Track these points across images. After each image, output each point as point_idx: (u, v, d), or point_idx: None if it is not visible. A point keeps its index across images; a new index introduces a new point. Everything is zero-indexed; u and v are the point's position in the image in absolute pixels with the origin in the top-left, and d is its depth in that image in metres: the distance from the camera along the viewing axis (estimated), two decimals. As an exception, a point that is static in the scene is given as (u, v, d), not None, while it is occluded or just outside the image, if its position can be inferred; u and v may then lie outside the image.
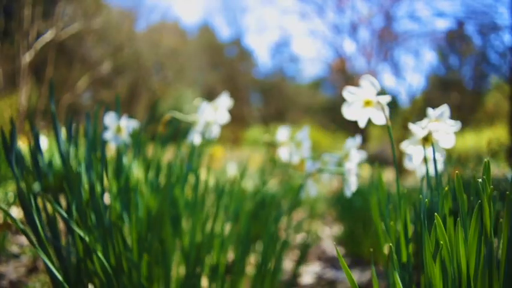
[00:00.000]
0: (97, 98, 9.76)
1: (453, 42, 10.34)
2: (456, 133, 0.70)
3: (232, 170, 2.68)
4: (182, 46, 12.27)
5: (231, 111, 1.05)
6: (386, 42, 10.79)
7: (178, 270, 0.76)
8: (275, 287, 0.85)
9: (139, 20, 11.35)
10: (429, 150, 0.70)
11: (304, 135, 0.98)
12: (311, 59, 13.98)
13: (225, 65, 14.90)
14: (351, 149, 0.81)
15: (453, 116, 0.70)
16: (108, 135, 0.98)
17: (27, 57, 6.43)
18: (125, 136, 0.93)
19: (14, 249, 1.60)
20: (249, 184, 1.97)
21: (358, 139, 0.83)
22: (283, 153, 1.07)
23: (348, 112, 0.65)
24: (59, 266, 0.82)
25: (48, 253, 0.70)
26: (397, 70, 11.05)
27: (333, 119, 13.37)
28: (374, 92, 0.62)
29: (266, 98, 16.00)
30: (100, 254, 0.65)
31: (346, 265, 0.48)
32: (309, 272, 1.60)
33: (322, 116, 15.10)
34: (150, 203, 0.71)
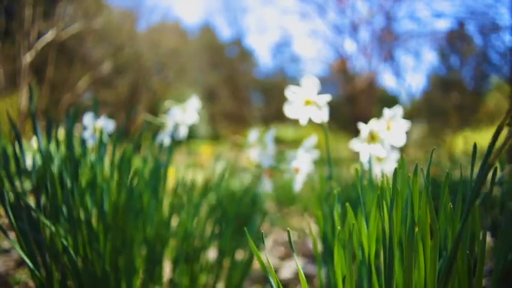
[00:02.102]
0: (97, 98, 9.83)
1: (454, 42, 10.31)
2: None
3: (219, 168, 2.74)
4: (183, 46, 12.34)
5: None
6: (387, 42, 10.81)
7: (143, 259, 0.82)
8: (235, 278, 0.91)
9: (140, 20, 11.43)
10: (377, 149, 0.75)
11: (269, 137, 1.04)
12: (312, 59, 13.99)
13: (225, 65, 14.95)
14: (300, 149, 0.87)
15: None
16: (86, 134, 1.05)
17: (28, 57, 6.51)
18: (99, 135, 0.99)
19: (6, 244, 1.66)
20: (236, 183, 2.02)
21: (312, 139, 0.89)
22: (253, 154, 1.13)
23: (289, 110, 0.70)
24: (41, 259, 0.89)
25: (22, 245, 0.75)
26: (397, 70, 11.06)
27: (334, 119, 13.41)
28: (314, 92, 0.67)
29: (267, 98, 16.03)
30: (65, 242, 0.70)
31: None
32: (290, 267, 1.65)
33: (323, 116, 15.10)
34: (114, 198, 0.77)
